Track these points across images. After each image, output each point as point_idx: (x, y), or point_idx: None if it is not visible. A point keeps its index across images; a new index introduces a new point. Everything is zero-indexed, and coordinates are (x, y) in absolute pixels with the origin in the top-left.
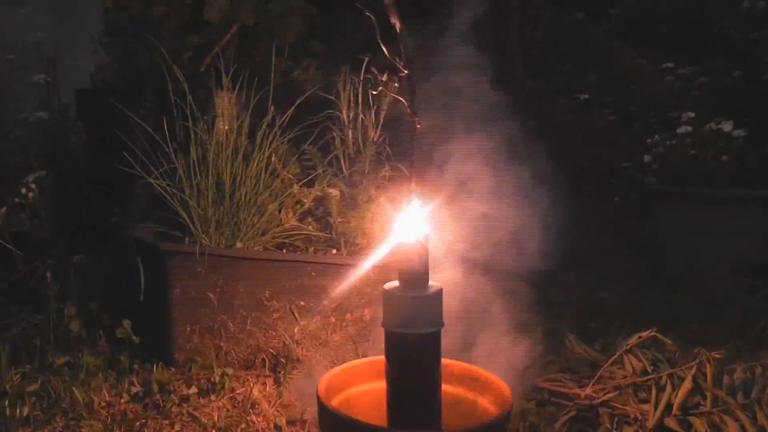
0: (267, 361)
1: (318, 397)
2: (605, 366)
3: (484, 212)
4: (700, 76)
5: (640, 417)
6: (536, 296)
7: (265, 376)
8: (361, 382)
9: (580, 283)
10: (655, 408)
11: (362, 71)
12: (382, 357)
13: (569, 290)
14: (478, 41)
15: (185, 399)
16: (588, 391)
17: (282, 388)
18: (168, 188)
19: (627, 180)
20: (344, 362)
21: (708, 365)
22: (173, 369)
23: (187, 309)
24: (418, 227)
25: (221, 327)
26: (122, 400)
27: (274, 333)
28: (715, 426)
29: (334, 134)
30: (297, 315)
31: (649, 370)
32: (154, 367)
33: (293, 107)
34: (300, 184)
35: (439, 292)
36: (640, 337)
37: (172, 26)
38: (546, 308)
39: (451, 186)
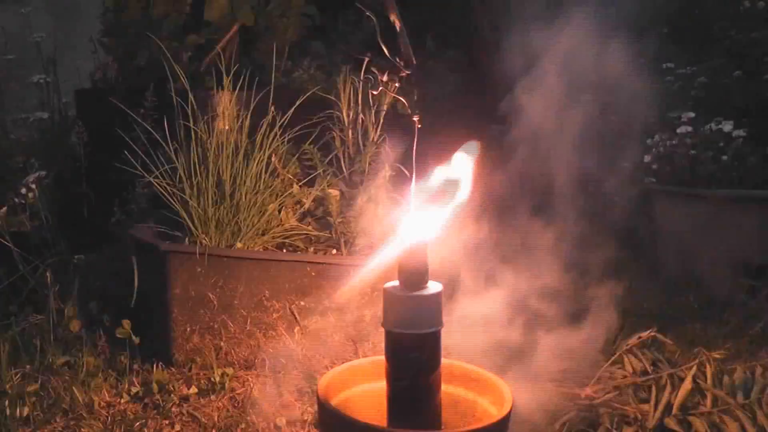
0: (267, 361)
1: (318, 397)
2: (605, 366)
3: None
4: (700, 76)
5: (640, 417)
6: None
7: (265, 376)
8: (361, 382)
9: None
10: (655, 408)
11: (362, 71)
12: (382, 357)
13: None
14: (478, 41)
15: (185, 399)
16: (588, 391)
17: (282, 388)
18: (168, 188)
19: (627, 180)
20: (344, 362)
21: (708, 365)
22: (173, 369)
23: (187, 309)
24: (418, 227)
25: (221, 327)
26: (122, 400)
27: (274, 333)
28: (715, 426)
29: (334, 134)
30: (297, 315)
31: (649, 370)
32: (154, 367)
33: (293, 107)
34: (300, 184)
35: (439, 292)
36: (640, 337)
37: (172, 26)
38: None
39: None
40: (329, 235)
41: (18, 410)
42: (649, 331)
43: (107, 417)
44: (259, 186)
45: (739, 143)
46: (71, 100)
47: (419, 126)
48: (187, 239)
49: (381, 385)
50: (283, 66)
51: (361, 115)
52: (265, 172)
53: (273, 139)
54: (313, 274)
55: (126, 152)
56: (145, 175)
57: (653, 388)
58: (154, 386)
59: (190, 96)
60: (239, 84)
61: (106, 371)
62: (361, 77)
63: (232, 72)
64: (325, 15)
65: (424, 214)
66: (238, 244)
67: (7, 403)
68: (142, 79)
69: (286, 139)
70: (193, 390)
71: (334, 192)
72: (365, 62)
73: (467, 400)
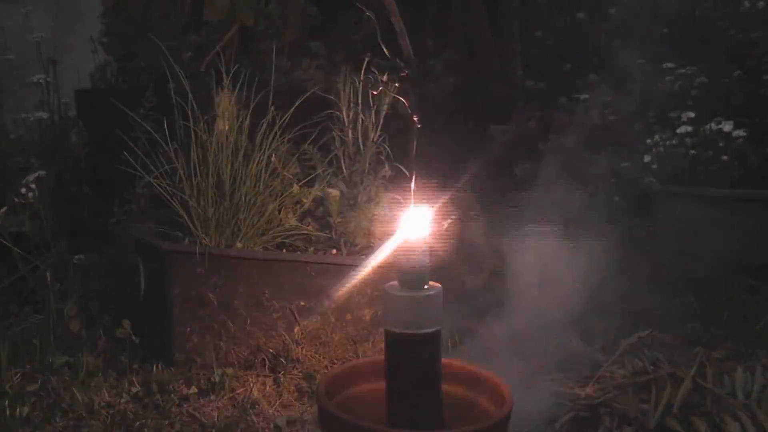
0: (267, 361)
1: (318, 397)
2: (605, 366)
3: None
4: (700, 76)
5: (640, 417)
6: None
7: (265, 376)
8: (361, 382)
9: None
10: (655, 408)
11: (362, 71)
12: (382, 357)
13: None
14: (477, 41)
15: (185, 399)
16: (588, 391)
17: (282, 388)
18: (168, 188)
19: (627, 180)
20: (344, 362)
21: (708, 365)
22: (173, 369)
23: (187, 309)
24: (418, 227)
25: (221, 327)
26: (122, 400)
27: (274, 333)
28: (715, 426)
29: (334, 134)
30: (297, 315)
31: (649, 370)
32: (154, 367)
33: (293, 107)
34: (300, 184)
35: (439, 292)
36: (640, 337)
37: (172, 26)
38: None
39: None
40: (329, 235)
41: (18, 410)
42: (649, 331)
43: (107, 417)
44: (259, 186)
45: (739, 143)
46: (71, 100)
47: (419, 126)
48: (187, 239)
49: (381, 385)
50: (283, 66)
51: (361, 115)
52: (265, 172)
53: (273, 139)
54: (313, 274)
55: (126, 152)
56: (145, 175)
57: (653, 388)
58: (154, 386)
59: (190, 96)
60: (239, 84)
61: (106, 371)
62: (361, 77)
63: (232, 72)
64: (325, 15)
65: (422, 214)
66: (238, 244)
67: (7, 403)
68: (142, 79)
69: (285, 139)
70: (193, 390)
71: (334, 192)
72: (365, 62)
73: (467, 399)
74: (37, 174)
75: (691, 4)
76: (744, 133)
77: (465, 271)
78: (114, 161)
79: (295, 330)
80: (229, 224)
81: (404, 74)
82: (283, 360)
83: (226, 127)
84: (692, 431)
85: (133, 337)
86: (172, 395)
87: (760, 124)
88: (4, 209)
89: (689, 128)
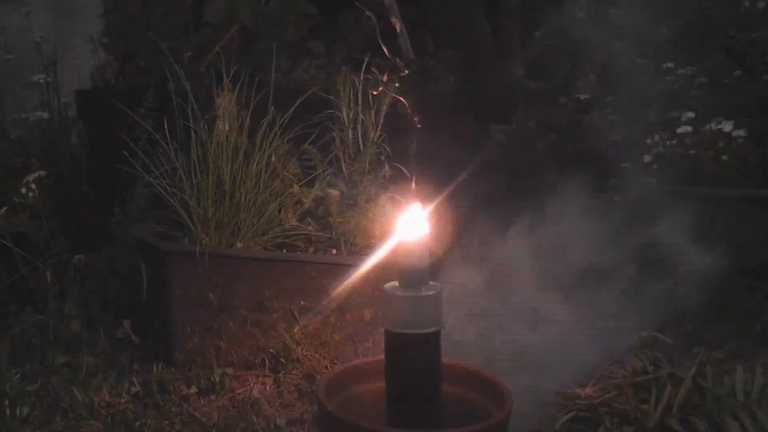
0: (267, 361)
1: (318, 397)
2: (605, 366)
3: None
4: (700, 76)
5: (640, 417)
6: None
7: (265, 376)
8: (361, 382)
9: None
10: (655, 408)
11: (362, 71)
12: (382, 357)
13: None
14: (477, 41)
15: (185, 399)
16: (588, 391)
17: (282, 388)
18: (168, 188)
19: (627, 180)
20: (344, 362)
21: (708, 365)
22: (173, 369)
23: (187, 309)
24: (418, 226)
25: (221, 327)
26: (122, 400)
27: (274, 333)
28: (715, 426)
29: (334, 134)
30: (297, 315)
31: (649, 370)
32: (154, 367)
33: (293, 107)
34: (300, 184)
35: (439, 292)
36: (640, 337)
37: (172, 26)
38: None
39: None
40: (329, 235)
41: (18, 410)
42: (648, 331)
43: (107, 417)
44: (259, 186)
45: (739, 143)
46: (71, 100)
47: (419, 126)
48: (187, 239)
49: (381, 385)
50: (283, 66)
51: (361, 115)
52: (265, 172)
53: (273, 139)
54: (313, 274)
55: (126, 152)
56: (146, 175)
57: (653, 388)
58: (154, 386)
59: (190, 96)
60: (239, 84)
61: (106, 371)
62: (361, 77)
63: (232, 72)
64: (325, 15)
65: (421, 214)
66: (238, 244)
67: (7, 403)
68: (142, 79)
69: (286, 139)
70: (193, 390)
71: (334, 192)
72: (365, 62)
73: (467, 399)
74: (37, 174)
75: (691, 3)
76: (744, 133)
77: None
78: (114, 161)
79: (295, 330)
80: (229, 224)
81: (404, 74)
82: (283, 360)
83: (226, 127)
84: (692, 431)
85: (133, 337)
86: (172, 395)
87: (760, 124)
88: (4, 209)
89: (689, 128)
